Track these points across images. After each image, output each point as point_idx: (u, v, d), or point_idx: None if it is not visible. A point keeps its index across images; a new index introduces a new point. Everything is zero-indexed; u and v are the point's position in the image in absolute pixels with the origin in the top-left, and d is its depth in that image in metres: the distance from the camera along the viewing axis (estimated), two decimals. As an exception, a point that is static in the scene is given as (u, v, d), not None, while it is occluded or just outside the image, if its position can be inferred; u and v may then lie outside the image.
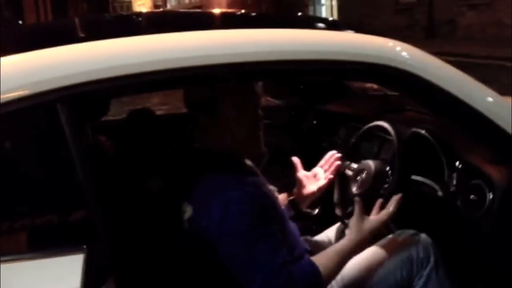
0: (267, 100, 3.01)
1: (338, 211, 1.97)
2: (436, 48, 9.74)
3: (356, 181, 1.91)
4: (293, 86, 2.85)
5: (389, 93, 2.48)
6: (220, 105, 1.52)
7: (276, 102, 2.98)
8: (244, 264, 1.42)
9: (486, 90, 1.55)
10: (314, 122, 2.79)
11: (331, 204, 2.01)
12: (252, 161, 1.66)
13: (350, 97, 2.67)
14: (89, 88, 1.28)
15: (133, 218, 1.53)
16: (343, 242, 1.58)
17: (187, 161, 1.59)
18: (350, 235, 1.57)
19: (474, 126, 1.54)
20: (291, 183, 2.59)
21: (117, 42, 1.35)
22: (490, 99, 1.54)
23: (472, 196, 1.63)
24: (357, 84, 2.71)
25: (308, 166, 2.56)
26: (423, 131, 1.85)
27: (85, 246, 1.22)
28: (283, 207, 1.83)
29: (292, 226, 1.72)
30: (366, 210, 1.63)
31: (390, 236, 1.78)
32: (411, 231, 1.75)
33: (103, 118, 1.93)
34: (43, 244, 1.24)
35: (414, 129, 1.90)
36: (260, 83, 1.62)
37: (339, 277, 1.67)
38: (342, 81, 2.64)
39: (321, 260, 1.52)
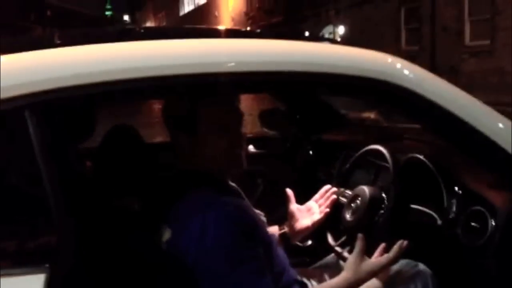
0: (262, 131, 2.95)
1: (331, 241, 1.86)
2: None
3: (350, 207, 1.81)
4: (289, 116, 2.79)
5: (387, 123, 2.42)
6: (200, 122, 1.43)
7: (272, 133, 2.91)
8: None
9: (491, 111, 1.46)
10: (310, 152, 2.70)
11: (324, 234, 1.90)
12: (235, 182, 1.57)
13: (346, 127, 2.60)
14: (59, 95, 1.21)
15: (107, 238, 1.43)
16: (337, 280, 1.49)
17: (166, 181, 1.50)
18: (346, 273, 1.49)
19: (475, 148, 1.44)
20: (285, 215, 2.50)
21: (90, 48, 1.28)
22: (494, 120, 1.45)
23: (473, 224, 1.52)
24: (354, 114, 2.64)
25: (304, 197, 2.47)
26: (421, 156, 1.76)
27: (47, 265, 1.12)
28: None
29: (281, 253, 1.61)
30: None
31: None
32: (410, 262, 1.63)
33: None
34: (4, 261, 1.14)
35: (411, 155, 1.80)
36: (239, 100, 1.54)
37: None
38: (337, 110, 2.57)
39: None
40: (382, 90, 1.39)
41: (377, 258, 1.50)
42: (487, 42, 13.70)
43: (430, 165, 1.72)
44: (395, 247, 1.50)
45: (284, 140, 2.83)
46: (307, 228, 1.80)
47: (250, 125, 3.70)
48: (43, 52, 1.27)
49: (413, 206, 1.73)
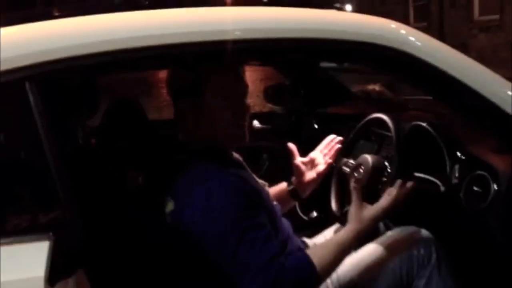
0: (267, 106, 2.95)
1: (335, 210, 1.86)
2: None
3: (353, 176, 1.81)
4: (293, 91, 2.78)
5: (391, 96, 2.40)
6: (205, 92, 1.44)
7: (277, 108, 2.91)
8: (231, 260, 1.33)
9: (494, 76, 1.44)
10: (315, 126, 2.70)
11: (328, 206, 1.91)
12: (238, 153, 1.58)
13: (351, 100, 2.59)
14: (59, 67, 1.21)
15: (112, 210, 1.45)
16: (342, 233, 1.45)
17: (169, 153, 1.51)
18: (349, 225, 1.44)
19: (479, 113, 1.43)
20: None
21: (92, 19, 1.29)
22: (497, 84, 1.43)
23: (475, 188, 1.52)
24: (358, 87, 2.63)
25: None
26: (424, 124, 1.75)
27: (51, 234, 1.13)
28: (279, 199, 1.74)
29: (285, 222, 1.62)
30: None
31: (389, 233, 1.67)
32: (411, 228, 1.64)
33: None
34: (6, 230, 1.16)
35: (414, 122, 1.80)
36: (244, 72, 1.53)
37: (334, 276, 1.56)
38: (341, 83, 2.56)
39: (318, 252, 1.41)
40: (385, 56, 1.38)
41: (377, 203, 1.45)
42: (497, 16, 13.49)
43: (433, 132, 1.71)
44: (396, 185, 1.45)
45: (289, 115, 2.83)
46: (313, 180, 1.78)
47: (258, 107, 3.69)
48: (42, 24, 1.27)
49: (416, 174, 1.73)
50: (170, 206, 1.45)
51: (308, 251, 1.42)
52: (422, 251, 1.56)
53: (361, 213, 1.44)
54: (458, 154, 1.62)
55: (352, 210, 1.46)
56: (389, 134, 1.77)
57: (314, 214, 1.95)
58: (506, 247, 1.46)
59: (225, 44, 1.31)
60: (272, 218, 1.49)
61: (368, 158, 1.78)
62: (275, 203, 1.64)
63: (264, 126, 2.79)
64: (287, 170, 2.64)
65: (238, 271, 1.32)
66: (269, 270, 1.31)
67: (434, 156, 1.70)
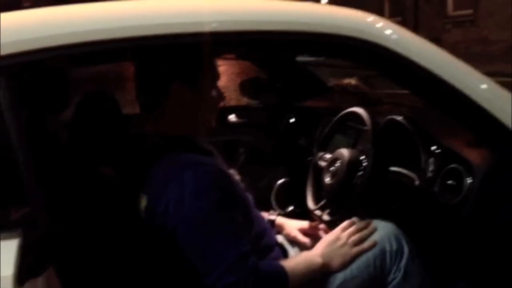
0: (244, 100, 2.93)
1: (310, 204, 1.86)
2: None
3: (329, 171, 1.81)
4: (269, 85, 2.77)
5: (367, 90, 2.40)
6: (172, 85, 1.41)
7: (253, 102, 2.89)
8: (202, 254, 1.32)
9: (469, 69, 1.45)
10: (292, 120, 2.69)
11: (304, 198, 1.90)
12: (214, 146, 1.56)
13: (327, 94, 2.58)
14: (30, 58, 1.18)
15: (84, 206, 1.41)
16: (313, 254, 1.50)
17: (139, 148, 1.48)
18: (319, 250, 1.50)
19: (454, 107, 1.43)
20: (267, 184, 2.49)
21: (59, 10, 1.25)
22: (472, 78, 1.44)
23: (450, 182, 1.52)
24: (335, 81, 2.63)
25: (285, 165, 2.47)
26: (399, 118, 1.76)
27: (20, 232, 1.10)
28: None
29: (260, 215, 1.61)
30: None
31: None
32: (383, 223, 1.62)
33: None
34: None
35: (389, 117, 1.80)
36: (216, 63, 1.52)
37: None
38: (318, 77, 2.56)
39: (289, 265, 1.42)
40: (362, 49, 1.37)
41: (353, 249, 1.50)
42: (470, 11, 13.68)
43: (408, 126, 1.72)
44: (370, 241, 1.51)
45: (266, 109, 2.81)
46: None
47: (234, 101, 3.65)
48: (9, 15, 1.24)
49: (392, 168, 1.74)
50: (144, 202, 1.43)
51: (282, 263, 1.43)
52: (394, 246, 1.55)
53: (334, 250, 1.49)
54: (433, 148, 1.63)
55: (325, 241, 1.51)
56: (365, 128, 1.77)
57: (290, 208, 1.94)
58: (478, 240, 1.47)
59: (201, 36, 1.29)
60: (245, 209, 1.48)
61: (344, 152, 1.78)
62: (247, 194, 1.63)
63: (240, 120, 2.78)
64: (263, 165, 2.65)
65: (208, 265, 1.31)
66: (240, 267, 1.30)
67: (409, 150, 1.70)
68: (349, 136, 1.95)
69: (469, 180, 1.47)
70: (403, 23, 15.60)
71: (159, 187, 1.37)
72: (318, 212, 1.80)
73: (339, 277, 1.51)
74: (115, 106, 1.69)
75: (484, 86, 1.42)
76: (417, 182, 1.66)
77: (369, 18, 1.44)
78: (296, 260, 1.50)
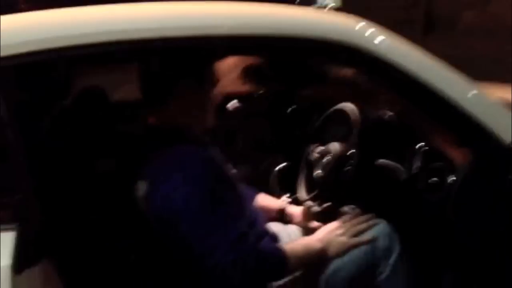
0: (246, 86, 2.95)
1: (302, 194, 1.92)
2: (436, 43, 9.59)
3: (321, 163, 1.86)
4: (272, 72, 2.80)
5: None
6: (178, 84, 1.50)
7: (254, 89, 2.92)
8: (202, 237, 1.38)
9: (453, 74, 1.49)
10: (292, 107, 2.73)
11: (295, 188, 1.97)
12: (213, 136, 1.64)
13: (326, 83, 2.62)
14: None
15: (83, 198, 1.48)
16: (312, 239, 1.58)
17: (139, 138, 1.55)
18: (319, 236, 1.58)
19: (437, 109, 1.47)
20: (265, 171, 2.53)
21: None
22: (456, 82, 1.48)
23: (432, 179, 1.58)
24: (334, 70, 2.65)
25: (282, 153, 2.51)
26: (386, 115, 1.81)
27: (17, 223, 1.16)
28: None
29: (251, 204, 1.68)
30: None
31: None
32: (375, 220, 1.69)
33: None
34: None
35: (380, 111, 1.85)
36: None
37: None
38: (319, 66, 2.59)
39: (289, 245, 1.51)
40: (351, 55, 1.41)
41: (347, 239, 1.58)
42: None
43: (397, 122, 1.76)
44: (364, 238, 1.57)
45: (268, 95, 2.85)
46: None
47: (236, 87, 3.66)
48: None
49: (380, 160, 1.78)
50: (142, 190, 1.49)
51: (282, 245, 1.51)
52: (384, 241, 1.61)
53: (333, 238, 1.56)
54: (419, 145, 1.67)
55: (330, 228, 1.59)
56: (353, 124, 1.82)
57: (284, 198, 2.00)
58: (461, 237, 1.53)
59: (206, 40, 1.34)
60: (241, 196, 1.57)
61: (336, 146, 1.83)
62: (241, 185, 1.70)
63: (240, 106, 2.81)
64: (263, 150, 2.69)
65: (209, 246, 1.37)
66: (240, 246, 1.37)
67: (396, 145, 1.75)
68: (341, 129, 1.99)
69: (452, 178, 1.53)
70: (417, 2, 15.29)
71: (157, 180, 1.45)
72: (309, 203, 1.86)
73: (332, 266, 1.58)
74: (109, 102, 1.74)
75: (467, 90, 1.46)
76: (404, 176, 1.71)
77: (362, 22, 1.47)
78: (295, 243, 1.57)
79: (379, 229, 1.63)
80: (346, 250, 1.57)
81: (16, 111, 1.21)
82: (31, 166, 1.21)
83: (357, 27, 1.45)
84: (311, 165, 1.95)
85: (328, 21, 1.46)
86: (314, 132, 2.08)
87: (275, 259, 1.45)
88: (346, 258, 1.59)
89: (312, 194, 1.87)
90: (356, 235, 1.59)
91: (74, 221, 1.40)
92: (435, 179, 1.57)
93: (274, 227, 1.82)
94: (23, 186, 1.20)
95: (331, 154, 1.83)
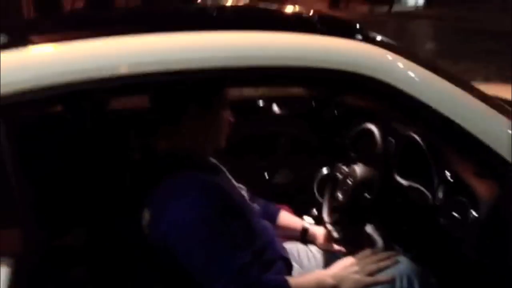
0: (286, 90, 2.91)
1: (325, 216, 1.85)
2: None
3: (342, 187, 1.79)
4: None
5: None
6: (188, 108, 1.47)
7: (297, 92, 2.86)
8: (203, 268, 1.37)
9: (473, 101, 1.37)
10: (335, 113, 2.64)
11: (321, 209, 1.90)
12: (216, 156, 1.60)
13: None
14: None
15: (90, 225, 1.50)
16: (324, 274, 1.51)
17: (146, 165, 1.54)
18: (333, 271, 1.51)
19: (460, 142, 1.38)
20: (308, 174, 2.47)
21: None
22: (477, 112, 1.38)
23: (455, 214, 1.46)
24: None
25: (322, 158, 2.44)
26: (416, 136, 1.69)
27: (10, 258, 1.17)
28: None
29: (267, 226, 1.64)
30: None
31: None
32: (396, 255, 1.58)
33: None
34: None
35: (408, 133, 1.73)
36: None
37: None
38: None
39: (298, 281, 1.46)
40: (375, 89, 1.34)
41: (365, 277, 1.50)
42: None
43: (424, 147, 1.64)
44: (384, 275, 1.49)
45: (309, 100, 2.78)
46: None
47: (277, 92, 3.63)
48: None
49: (408, 182, 1.68)
50: (146, 218, 1.49)
51: (288, 278, 1.46)
52: (404, 285, 1.51)
53: (349, 276, 1.48)
54: (444, 173, 1.55)
55: (342, 264, 1.52)
56: (377, 146, 1.72)
57: (306, 217, 1.94)
58: (481, 277, 1.41)
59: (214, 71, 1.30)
60: (248, 223, 1.52)
61: (357, 170, 1.74)
62: (254, 205, 1.66)
63: (283, 111, 2.77)
64: (304, 156, 2.62)
65: (210, 278, 1.36)
66: (242, 278, 1.34)
67: (423, 170, 1.64)
68: (364, 150, 1.90)
69: (473, 215, 1.41)
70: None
71: (161, 207, 1.43)
72: (329, 226, 1.80)
73: None
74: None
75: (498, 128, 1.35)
76: (431, 201, 1.60)
77: (389, 57, 1.38)
78: (307, 277, 1.52)
79: (399, 268, 1.53)
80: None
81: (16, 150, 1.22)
82: (33, 194, 1.22)
83: (389, 62, 1.37)
84: (336, 185, 1.87)
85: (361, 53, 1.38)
86: (345, 145, 2.00)
87: None
88: None
89: (332, 218, 1.80)
90: (373, 273, 1.50)
91: (80, 248, 1.42)
92: (456, 215, 1.45)
93: (295, 247, 1.79)
94: (23, 219, 1.21)
95: (352, 178, 1.75)
